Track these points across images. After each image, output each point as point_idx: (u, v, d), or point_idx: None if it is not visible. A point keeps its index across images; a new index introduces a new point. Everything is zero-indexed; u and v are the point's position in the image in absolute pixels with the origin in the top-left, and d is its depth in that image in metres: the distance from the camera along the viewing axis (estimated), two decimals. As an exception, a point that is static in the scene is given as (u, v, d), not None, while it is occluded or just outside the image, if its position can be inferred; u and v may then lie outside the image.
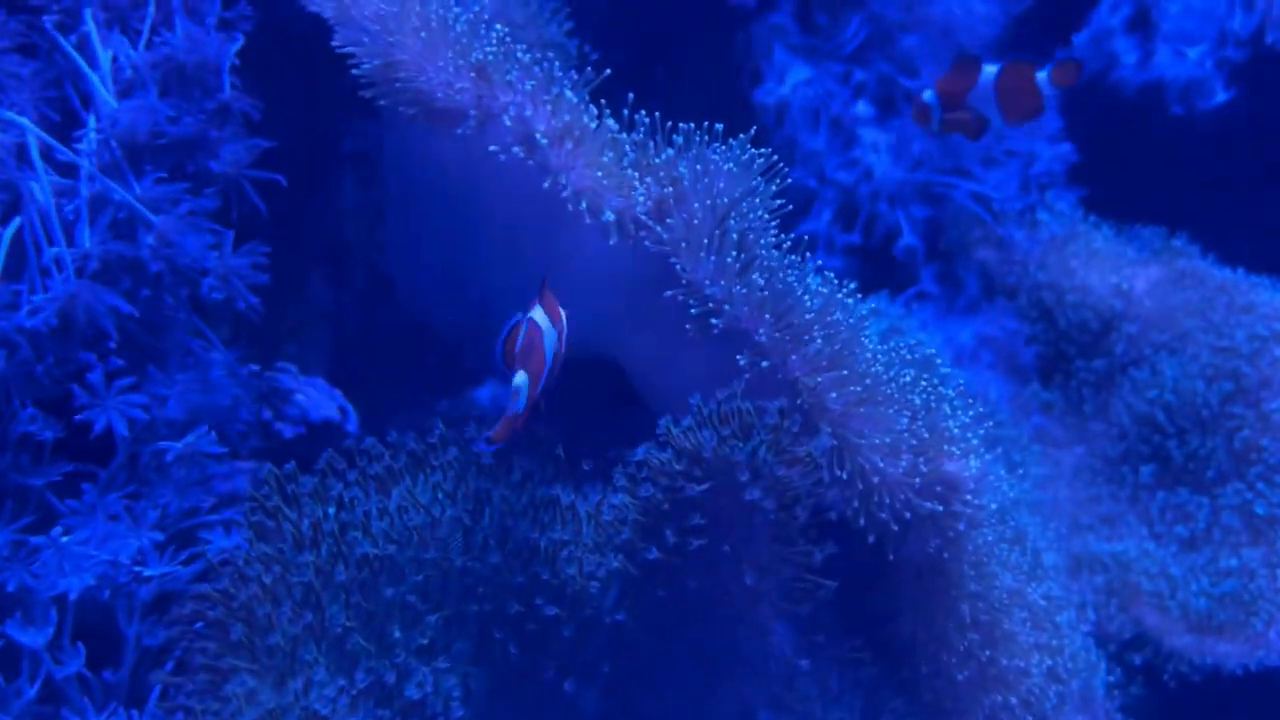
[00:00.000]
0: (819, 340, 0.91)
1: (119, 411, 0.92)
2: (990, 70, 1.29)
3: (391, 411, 1.42)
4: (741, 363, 0.91)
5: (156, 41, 1.04)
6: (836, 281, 0.98)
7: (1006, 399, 1.72)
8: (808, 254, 0.99)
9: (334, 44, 1.00)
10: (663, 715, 0.90)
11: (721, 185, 0.95)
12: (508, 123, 0.94)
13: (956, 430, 0.97)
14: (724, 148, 0.95)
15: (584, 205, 0.94)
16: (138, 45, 1.03)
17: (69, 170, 0.99)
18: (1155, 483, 1.65)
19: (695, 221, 0.92)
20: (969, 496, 0.95)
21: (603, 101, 0.98)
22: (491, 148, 0.95)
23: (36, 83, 1.02)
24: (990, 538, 1.03)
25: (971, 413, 1.00)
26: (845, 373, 0.91)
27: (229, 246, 1.03)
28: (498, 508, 0.89)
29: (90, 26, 1.02)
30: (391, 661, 0.84)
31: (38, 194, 0.96)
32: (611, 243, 0.94)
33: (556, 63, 0.99)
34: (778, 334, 0.91)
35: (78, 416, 0.93)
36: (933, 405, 0.97)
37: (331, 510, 0.89)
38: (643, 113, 0.97)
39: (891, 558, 0.95)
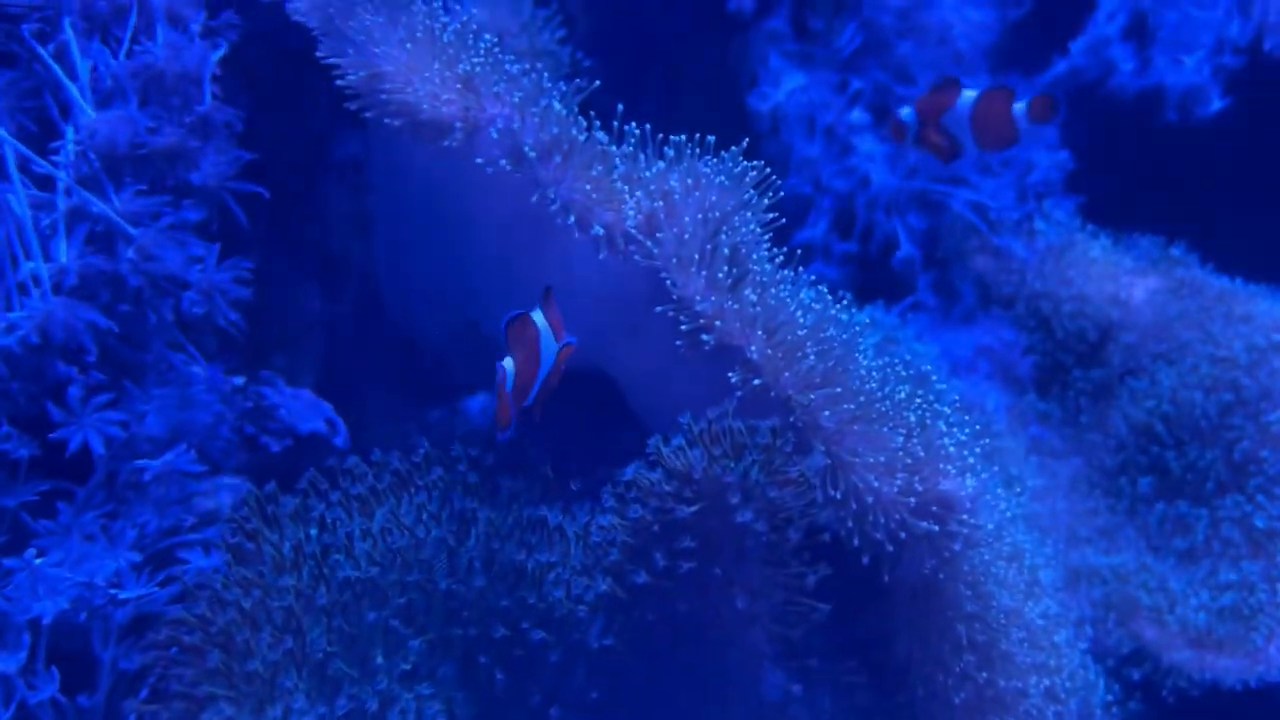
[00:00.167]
0: (812, 357, 0.89)
1: (95, 429, 0.90)
2: (969, 95, 1.30)
3: (383, 422, 1.40)
4: (733, 380, 0.89)
5: (137, 50, 1.02)
6: (830, 296, 0.97)
7: (1004, 409, 1.71)
8: (800, 268, 0.98)
9: (319, 55, 0.98)
10: (653, 741, 0.89)
11: (713, 198, 0.93)
12: (495, 135, 0.92)
13: (952, 448, 0.95)
14: (716, 160, 0.94)
15: (573, 219, 0.92)
16: (118, 54, 1.01)
17: (47, 183, 0.97)
18: (1153, 494, 1.64)
19: (686, 236, 0.91)
20: (965, 516, 0.94)
21: (592, 113, 0.97)
22: (478, 160, 0.93)
23: (14, 92, 1.00)
24: (987, 557, 1.01)
25: (968, 430, 0.98)
26: (839, 390, 0.90)
27: (213, 261, 1.01)
28: (483, 529, 0.87)
29: (69, 35, 1.01)
30: (374, 688, 0.82)
31: (14, 207, 0.94)
32: (601, 257, 0.93)
33: (545, 74, 0.97)
34: (770, 350, 0.90)
35: (52, 435, 0.91)
36: (928, 422, 0.95)
37: (313, 532, 0.87)
38: (633, 124, 0.95)
39: (886, 579, 0.93)
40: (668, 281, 0.91)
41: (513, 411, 0.82)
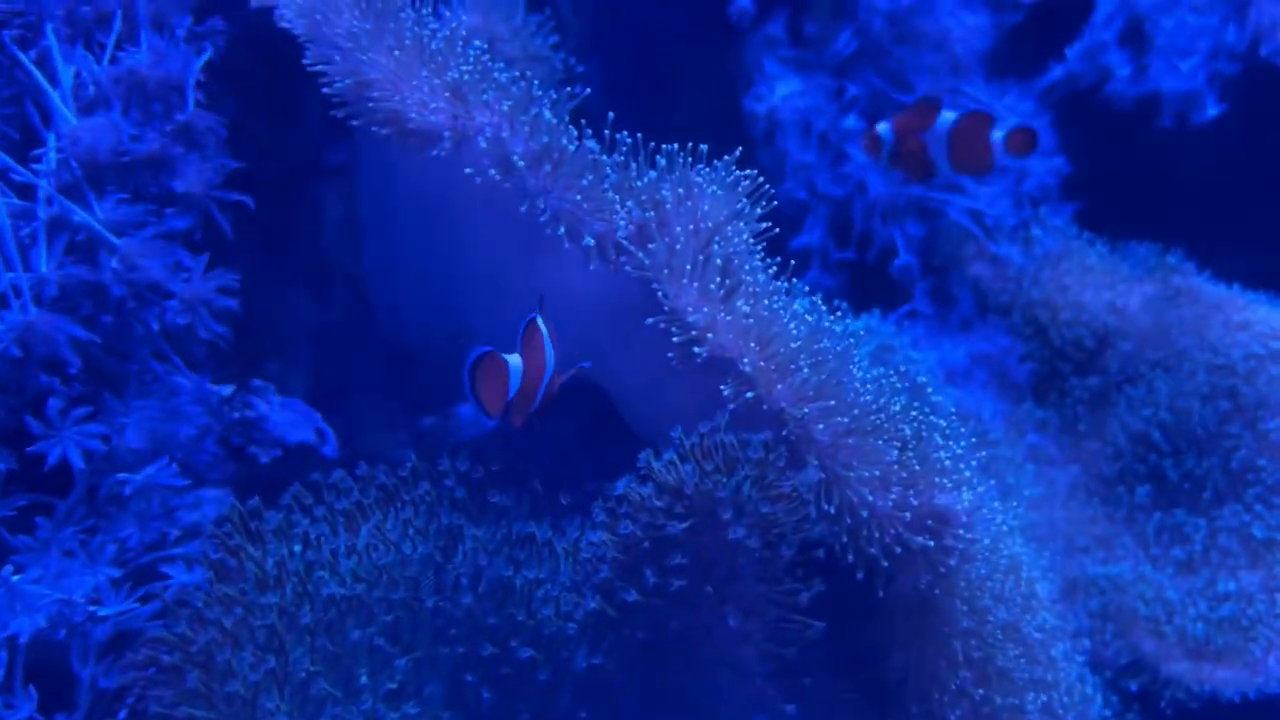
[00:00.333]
0: (806, 369, 0.88)
1: (74, 442, 0.88)
2: (948, 117, 1.31)
3: (376, 429, 1.39)
4: (726, 393, 0.88)
5: (119, 56, 1.00)
6: (824, 307, 0.95)
7: (1001, 417, 1.70)
8: (794, 278, 0.97)
9: (305, 62, 0.96)
10: (643, 761, 0.87)
11: (705, 208, 0.92)
12: (483, 144, 0.91)
13: (948, 461, 0.94)
14: (708, 169, 0.93)
15: (562, 230, 0.91)
16: (102, 60, 1.00)
17: (28, 191, 0.95)
18: (1151, 503, 1.63)
19: (678, 246, 0.89)
20: (961, 530, 0.92)
21: (583, 121, 0.95)
22: (467, 170, 0.92)
23: (-5, 99, 0.99)
24: (983, 571, 0.99)
25: (964, 442, 0.97)
26: (833, 403, 0.88)
27: (199, 271, 0.99)
28: (471, 545, 0.86)
29: (51, 41, 0.99)
30: (358, 708, 0.81)
31: (-5, 216, 0.92)
32: (592, 268, 0.91)
33: (535, 81, 0.96)
34: (763, 363, 0.88)
35: (30, 448, 0.89)
36: (924, 435, 0.94)
37: (297, 548, 0.85)
38: (624, 133, 0.94)
39: (881, 594, 0.91)
40: (659, 293, 0.89)
41: (508, 405, 0.82)
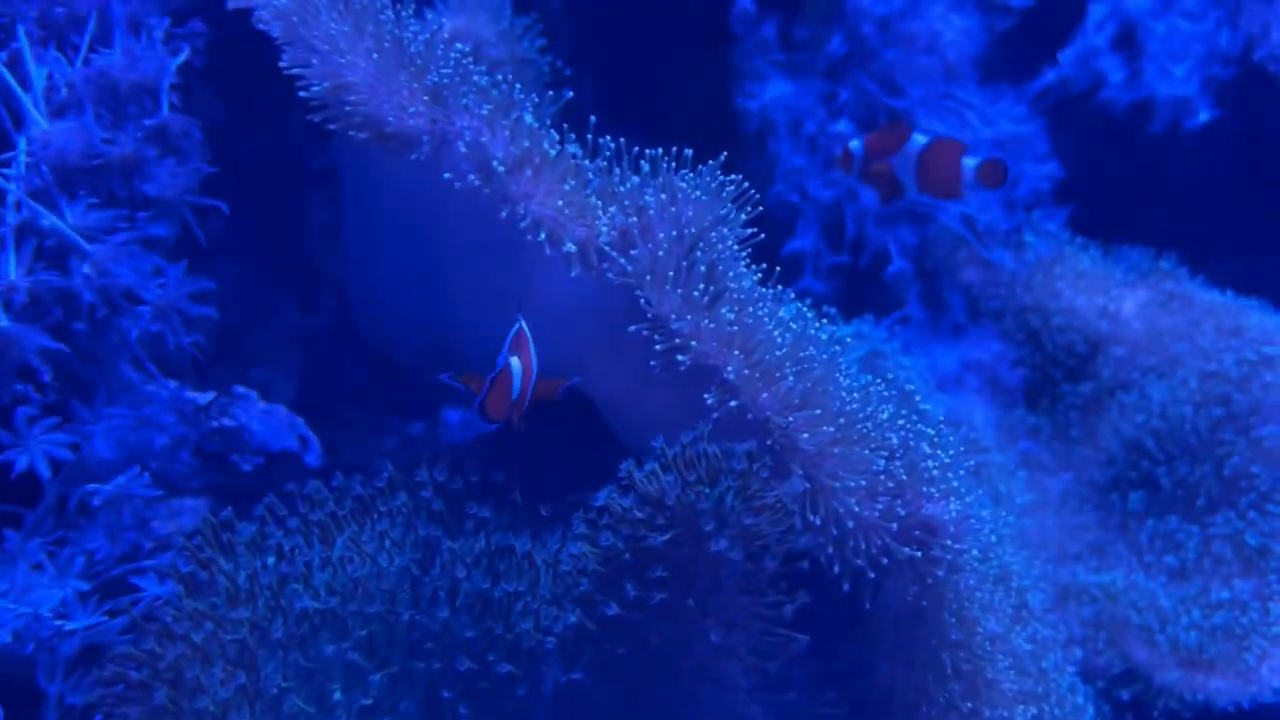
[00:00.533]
0: (791, 377, 0.87)
1: (42, 451, 0.86)
2: (920, 140, 1.32)
3: (363, 435, 1.37)
4: (710, 401, 0.86)
5: (92, 58, 0.99)
6: (809, 314, 0.94)
7: (992, 424, 1.68)
8: (780, 285, 0.95)
9: (282, 65, 0.95)
10: (624, 778, 0.85)
11: (690, 214, 0.90)
12: (463, 149, 0.89)
13: (936, 470, 0.92)
14: (693, 175, 0.91)
15: (543, 236, 0.89)
16: (75, 62, 0.98)
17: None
18: (1144, 510, 1.61)
19: (661, 253, 0.88)
20: (949, 541, 0.91)
21: (565, 126, 0.94)
22: (446, 175, 0.90)
23: (-35, 102, 0.97)
24: (972, 582, 0.98)
25: (952, 451, 0.96)
26: (818, 411, 0.87)
27: (176, 277, 0.97)
28: (448, 557, 0.84)
29: (23, 43, 0.97)
30: (332, 724, 0.79)
31: (-37, 220, 0.90)
32: (573, 275, 0.90)
33: (517, 85, 0.94)
34: (748, 371, 0.87)
35: (-1, 457, 0.88)
36: (911, 444, 0.92)
37: (270, 560, 0.83)
38: (608, 137, 0.92)
39: (868, 606, 0.90)
40: (642, 300, 0.88)
41: (510, 409, 0.83)
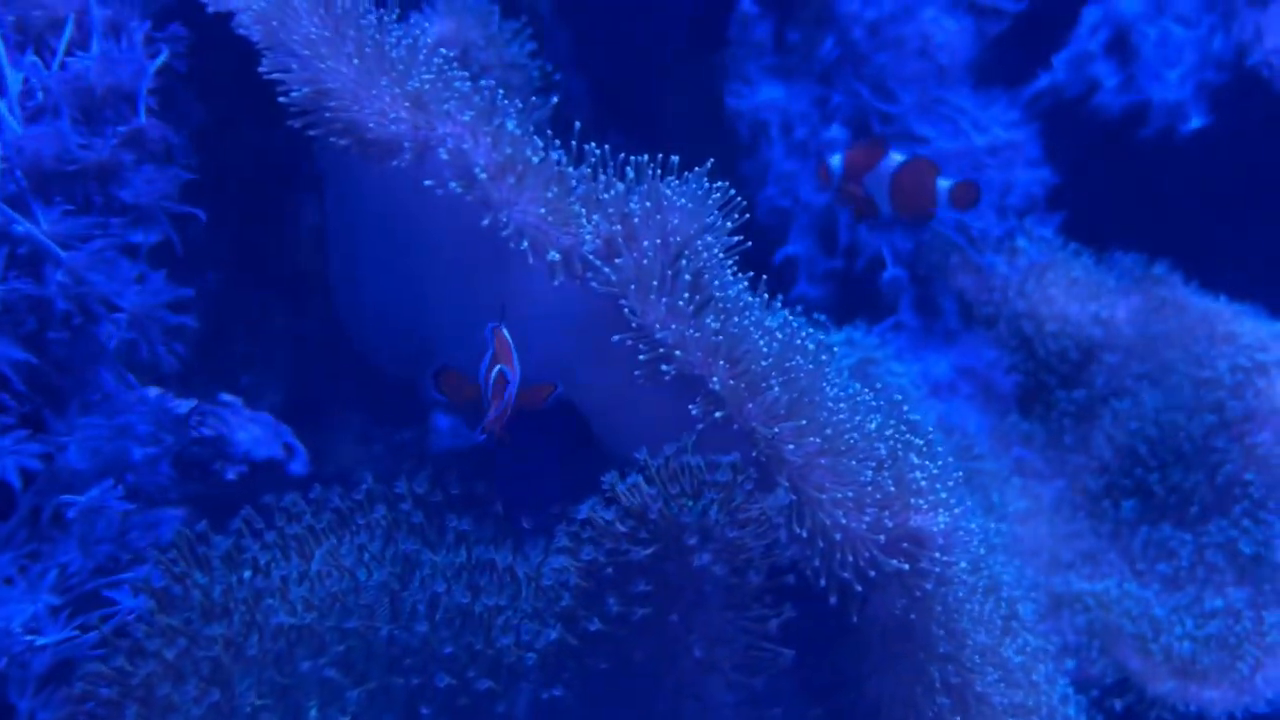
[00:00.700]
0: (777, 387, 0.85)
1: (13, 462, 0.84)
2: (895, 159, 1.33)
3: (351, 442, 1.35)
4: (694, 412, 0.85)
5: (69, 62, 0.97)
6: (795, 322, 0.93)
7: (985, 431, 1.67)
8: (766, 294, 0.94)
9: (261, 70, 0.93)
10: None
11: (675, 222, 0.89)
12: (445, 156, 0.88)
13: (924, 481, 0.91)
14: (679, 181, 0.90)
15: (526, 244, 0.88)
16: (51, 66, 0.96)
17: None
18: (1137, 518, 1.60)
19: (645, 261, 0.87)
20: (937, 553, 0.89)
21: (549, 132, 0.93)
22: (428, 183, 0.89)
23: (-60, 107, 0.95)
24: (961, 594, 0.97)
25: (941, 461, 0.94)
26: (805, 422, 0.86)
27: (157, 284, 0.96)
28: (428, 571, 0.82)
29: None
30: (308, 742, 0.77)
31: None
32: (556, 283, 0.89)
33: (500, 91, 0.93)
34: (733, 381, 0.86)
35: (-32, 469, 0.86)
36: (899, 454, 0.91)
37: (246, 575, 0.82)
38: (593, 144, 0.91)
39: (855, 620, 0.89)
40: (626, 309, 0.87)
41: (506, 418, 0.82)
